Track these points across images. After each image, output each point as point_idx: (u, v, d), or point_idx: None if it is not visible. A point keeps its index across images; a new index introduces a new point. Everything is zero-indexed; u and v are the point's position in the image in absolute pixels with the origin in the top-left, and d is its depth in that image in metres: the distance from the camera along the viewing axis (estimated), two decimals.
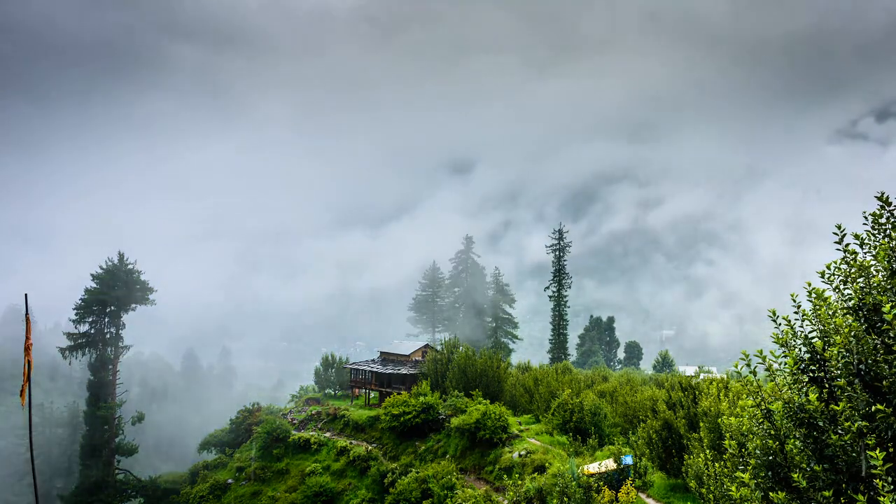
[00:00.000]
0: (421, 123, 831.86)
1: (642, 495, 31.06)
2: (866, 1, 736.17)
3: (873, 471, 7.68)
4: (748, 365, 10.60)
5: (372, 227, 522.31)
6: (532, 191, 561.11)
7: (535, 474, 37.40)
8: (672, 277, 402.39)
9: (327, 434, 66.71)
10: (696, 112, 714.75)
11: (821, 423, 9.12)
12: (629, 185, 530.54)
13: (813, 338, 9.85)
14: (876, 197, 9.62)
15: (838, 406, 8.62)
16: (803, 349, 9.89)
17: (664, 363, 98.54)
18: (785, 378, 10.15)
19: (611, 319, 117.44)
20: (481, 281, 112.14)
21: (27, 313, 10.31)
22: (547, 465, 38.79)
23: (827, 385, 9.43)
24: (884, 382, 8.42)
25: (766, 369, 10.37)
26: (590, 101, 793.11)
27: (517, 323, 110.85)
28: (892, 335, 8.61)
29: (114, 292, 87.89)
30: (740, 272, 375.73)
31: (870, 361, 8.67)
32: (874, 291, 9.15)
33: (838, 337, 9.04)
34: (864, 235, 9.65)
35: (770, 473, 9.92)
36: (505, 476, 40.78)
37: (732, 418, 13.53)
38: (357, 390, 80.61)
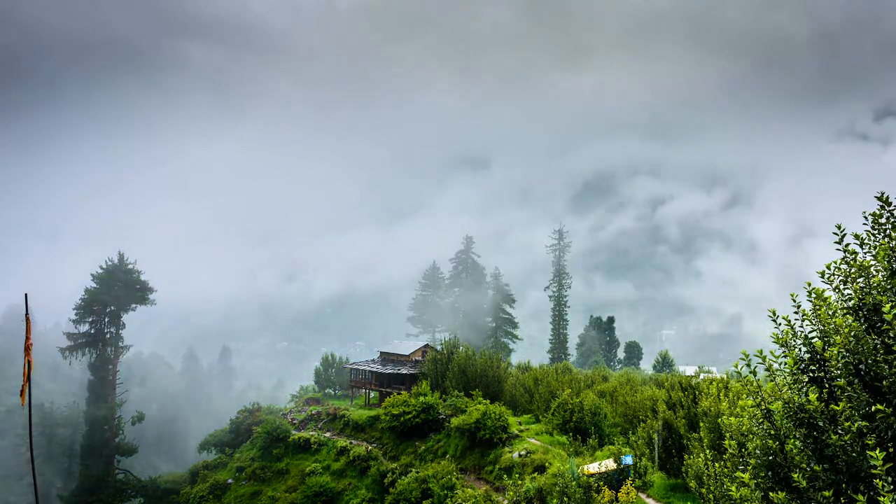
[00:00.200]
0: (433, 122, 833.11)
1: (642, 495, 31.06)
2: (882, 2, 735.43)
3: (873, 471, 7.68)
4: (748, 365, 10.60)
5: (378, 227, 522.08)
6: (543, 188, 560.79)
7: (535, 474, 37.39)
8: (675, 276, 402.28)
9: (327, 434, 66.71)
10: (704, 111, 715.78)
11: (821, 423, 9.11)
12: (637, 183, 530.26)
13: (813, 338, 9.85)
14: (876, 197, 9.62)
15: (838, 406, 8.62)
16: (803, 349, 9.89)
17: (664, 363, 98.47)
18: (785, 378, 10.15)
19: (611, 319, 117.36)
20: (481, 281, 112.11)
21: (27, 313, 10.31)
22: (547, 465, 38.78)
23: (827, 385, 9.43)
24: (884, 382, 8.42)
25: (766, 369, 10.37)
26: (602, 99, 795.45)
27: (517, 323, 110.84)
28: (892, 335, 8.60)
29: (114, 292, 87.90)
30: (741, 272, 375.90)
31: (870, 361, 8.67)
32: (874, 291, 9.15)
33: (838, 337, 9.04)
34: (864, 235, 9.65)
35: (770, 473, 9.92)
36: (505, 476, 40.78)
37: (732, 418, 13.53)
38: (357, 390, 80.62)
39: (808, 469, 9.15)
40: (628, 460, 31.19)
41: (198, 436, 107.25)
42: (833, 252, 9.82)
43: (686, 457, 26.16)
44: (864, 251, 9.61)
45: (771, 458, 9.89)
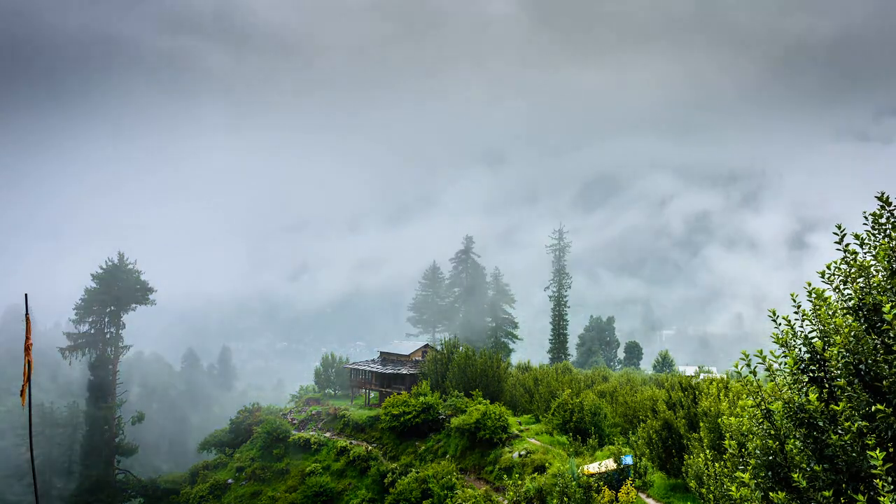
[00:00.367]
0: (443, 120, 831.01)
1: (642, 495, 31.06)
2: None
3: (873, 471, 7.68)
4: (748, 365, 10.60)
5: (385, 226, 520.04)
6: (552, 185, 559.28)
7: (535, 474, 37.39)
8: (679, 275, 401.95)
9: (327, 434, 66.71)
10: (715, 111, 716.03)
11: (821, 423, 9.11)
12: (646, 180, 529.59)
13: (813, 338, 9.85)
14: (876, 197, 9.62)
15: (838, 406, 8.62)
16: (803, 349, 9.89)
17: (664, 363, 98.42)
18: (785, 378, 10.15)
19: (611, 319, 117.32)
20: (481, 281, 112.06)
21: (27, 313, 10.31)
22: (547, 465, 38.79)
23: (827, 385, 9.43)
24: (884, 382, 8.42)
25: (766, 369, 10.37)
26: (609, 96, 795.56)
27: (517, 323, 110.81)
28: (892, 335, 8.60)
29: (114, 292, 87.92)
30: (744, 272, 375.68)
31: (870, 361, 8.67)
32: (874, 291, 9.15)
33: (838, 337, 9.04)
34: (865, 235, 9.65)
35: (770, 473, 9.92)
36: (505, 476, 40.78)
37: (732, 418, 13.52)
38: (357, 390, 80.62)
39: (808, 469, 9.15)
40: (628, 460, 31.19)
41: (198, 436, 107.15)
42: (838, 251, 9.83)
43: (686, 457, 26.15)
44: (865, 251, 9.61)
45: (771, 458, 9.89)
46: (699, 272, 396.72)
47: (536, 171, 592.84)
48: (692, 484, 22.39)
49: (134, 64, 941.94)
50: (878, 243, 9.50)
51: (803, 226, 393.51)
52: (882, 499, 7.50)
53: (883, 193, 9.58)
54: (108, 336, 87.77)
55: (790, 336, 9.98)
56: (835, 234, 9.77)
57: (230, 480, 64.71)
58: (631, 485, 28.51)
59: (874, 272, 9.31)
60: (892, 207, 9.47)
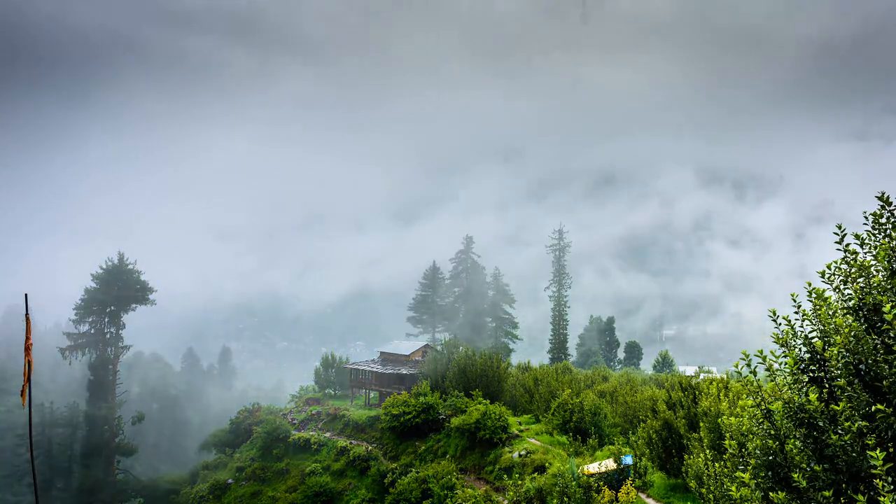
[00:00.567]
0: (455, 116, 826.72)
1: (642, 495, 31.06)
2: None
3: (873, 471, 7.68)
4: (748, 365, 10.60)
5: (389, 226, 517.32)
6: (564, 183, 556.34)
7: (535, 474, 37.39)
8: (676, 275, 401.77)
9: (327, 434, 66.72)
10: (731, 110, 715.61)
11: (821, 423, 9.12)
12: (658, 179, 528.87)
13: (813, 338, 9.85)
14: (876, 197, 9.62)
15: (838, 406, 8.62)
16: (803, 349, 9.89)
17: (664, 363, 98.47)
18: (785, 378, 10.15)
19: (611, 319, 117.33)
20: (481, 281, 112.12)
21: (27, 313, 10.31)
22: (547, 465, 38.79)
23: (827, 385, 9.43)
24: (884, 382, 8.42)
25: (767, 369, 10.37)
26: (616, 96, 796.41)
27: (517, 323, 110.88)
28: (892, 335, 8.61)
29: (114, 292, 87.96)
30: (743, 271, 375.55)
31: (870, 361, 8.67)
32: (874, 291, 9.15)
33: (838, 337, 9.04)
34: (865, 235, 9.65)
35: (770, 473, 9.92)
36: (505, 476, 40.78)
37: (732, 418, 13.52)
38: (357, 390, 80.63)
39: (808, 469, 9.15)
40: (628, 460, 31.20)
41: (198, 436, 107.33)
42: (838, 251, 9.83)
43: (686, 457, 26.15)
44: (865, 251, 9.62)
45: (771, 458, 9.90)
46: (700, 272, 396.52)
47: (546, 168, 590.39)
48: (692, 484, 22.39)
49: (135, 61, 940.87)
50: (878, 243, 9.50)
51: (807, 226, 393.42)
52: (882, 499, 7.50)
53: (883, 193, 9.59)
54: (108, 336, 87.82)
55: (790, 336, 9.98)
56: (835, 234, 9.77)
57: (230, 480, 64.72)
58: (631, 485, 28.51)
59: (874, 272, 9.32)
60: (892, 207, 9.48)
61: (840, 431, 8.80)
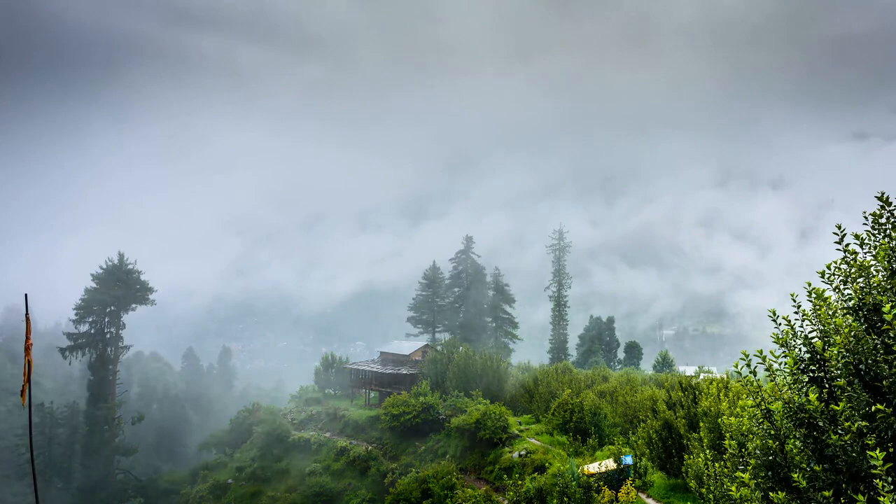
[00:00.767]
0: (470, 112, 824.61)
1: (642, 495, 31.06)
2: None
3: (873, 471, 7.68)
4: (748, 365, 10.60)
5: (391, 226, 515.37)
6: (577, 181, 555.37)
7: (535, 474, 37.38)
8: (677, 275, 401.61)
9: (327, 434, 66.71)
10: (722, 109, 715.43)
11: (821, 423, 9.11)
12: (647, 181, 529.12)
13: (813, 338, 9.85)
14: (876, 197, 9.62)
15: (838, 406, 8.62)
16: (803, 349, 9.88)
17: (664, 363, 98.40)
18: (785, 378, 10.14)
19: (611, 319, 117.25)
20: (481, 281, 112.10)
21: (27, 313, 10.31)
22: (547, 465, 38.80)
23: (827, 385, 9.43)
24: (884, 382, 8.42)
25: (767, 369, 10.36)
26: (625, 96, 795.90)
27: (517, 323, 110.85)
28: (892, 335, 8.60)
29: (114, 292, 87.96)
30: (743, 271, 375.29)
31: (870, 361, 8.67)
32: (874, 291, 9.15)
33: (838, 337, 9.04)
34: (864, 235, 9.65)
35: (770, 473, 9.92)
36: (505, 476, 40.78)
37: (732, 418, 13.52)
38: (357, 390, 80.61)
39: (808, 469, 9.15)
40: (628, 460, 31.20)
41: (198, 436, 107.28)
42: (838, 251, 9.83)
43: (686, 457, 26.14)
44: (865, 251, 9.62)
45: (771, 458, 9.89)
46: (700, 272, 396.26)
47: (566, 166, 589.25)
48: (692, 484, 22.39)
49: (144, 59, 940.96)
50: (878, 243, 9.50)
51: (808, 226, 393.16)
52: (882, 499, 7.50)
53: (883, 193, 9.59)
54: (108, 336, 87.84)
55: (790, 336, 9.98)
56: (835, 234, 9.77)
57: (230, 480, 64.71)
58: (631, 485, 28.51)
59: (874, 272, 9.32)
60: (892, 207, 9.48)
61: (840, 431, 8.80)
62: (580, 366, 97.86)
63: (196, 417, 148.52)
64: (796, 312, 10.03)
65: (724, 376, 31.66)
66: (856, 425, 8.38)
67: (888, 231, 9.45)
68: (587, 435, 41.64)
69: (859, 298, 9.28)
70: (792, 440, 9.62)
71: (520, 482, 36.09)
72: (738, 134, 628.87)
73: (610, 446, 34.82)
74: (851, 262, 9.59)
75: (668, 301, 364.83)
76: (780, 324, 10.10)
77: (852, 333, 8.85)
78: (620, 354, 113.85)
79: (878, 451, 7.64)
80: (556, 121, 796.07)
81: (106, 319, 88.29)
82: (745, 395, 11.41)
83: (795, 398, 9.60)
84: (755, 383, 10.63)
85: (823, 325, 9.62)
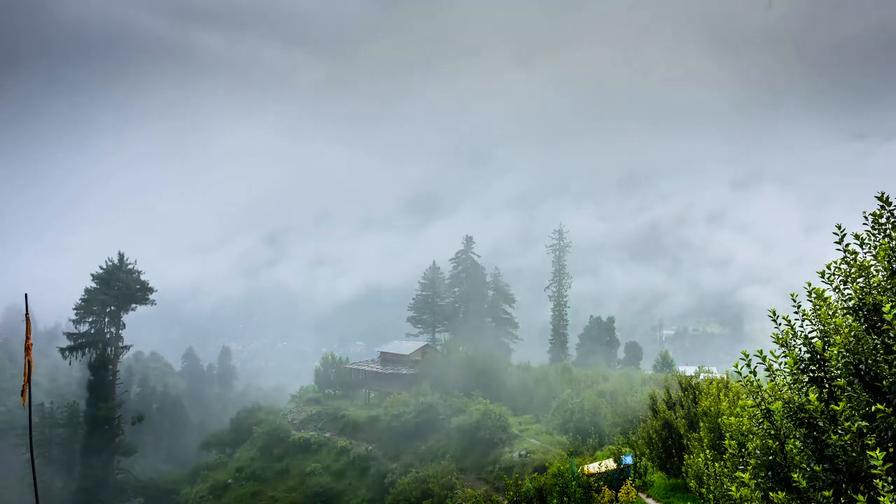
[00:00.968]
0: (474, 114, 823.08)
1: (642, 495, 31.07)
2: None
3: (873, 471, 7.68)
4: (748, 365, 10.60)
5: (393, 226, 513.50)
6: (588, 180, 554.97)
7: (535, 474, 37.38)
8: (676, 275, 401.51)
9: (327, 434, 66.70)
10: (724, 108, 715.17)
11: (821, 423, 9.11)
12: (648, 181, 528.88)
13: (813, 338, 9.85)
14: (876, 197, 9.62)
15: (838, 406, 8.61)
16: (803, 349, 9.88)
17: (664, 363, 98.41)
18: (785, 378, 10.14)
19: (611, 319, 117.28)
20: (481, 281, 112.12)
21: (27, 313, 10.31)
22: (547, 464, 38.79)
23: (827, 385, 9.43)
24: (884, 382, 8.42)
25: (767, 369, 10.36)
26: (626, 94, 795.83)
27: (517, 323, 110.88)
28: (892, 335, 8.60)
29: (114, 292, 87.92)
30: (744, 271, 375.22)
31: (870, 361, 8.67)
32: (874, 291, 9.14)
33: (838, 337, 9.04)
34: (865, 235, 9.65)
35: (770, 473, 9.91)
36: (505, 476, 40.77)
37: (732, 418, 13.52)
38: (357, 390, 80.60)
39: (808, 469, 9.14)
40: (628, 460, 31.20)
41: (198, 436, 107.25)
42: (838, 251, 9.82)
43: (686, 457, 26.14)
44: (865, 251, 9.61)
45: (771, 458, 9.89)
46: (700, 272, 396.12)
47: (576, 164, 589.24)
48: (692, 484, 22.38)
49: (146, 57, 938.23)
50: (878, 243, 9.49)
51: (809, 226, 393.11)
52: (882, 499, 7.50)
53: (883, 193, 9.58)
54: (108, 336, 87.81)
55: (790, 336, 9.97)
56: (835, 234, 9.77)
57: (230, 480, 64.70)
58: (631, 484, 28.52)
59: (874, 272, 9.31)
60: (892, 207, 9.47)
61: (840, 431, 8.79)
62: (580, 366, 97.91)
63: (196, 417, 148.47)
64: (796, 312, 10.03)
65: (724, 376, 31.66)
66: (856, 425, 8.37)
67: (888, 231, 9.45)
68: (587, 435, 41.66)
69: (859, 298, 9.28)
70: (792, 440, 9.62)
71: (520, 482, 36.08)
72: (746, 133, 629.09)
73: (610, 446, 34.83)
74: (851, 262, 9.58)
75: (674, 299, 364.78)
76: (779, 324, 10.10)
77: (852, 333, 8.84)
78: (620, 354, 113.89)
79: (878, 451, 7.63)
80: (567, 118, 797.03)
81: (106, 319, 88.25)
82: (745, 395, 11.41)
83: (795, 398, 9.60)
84: (755, 383, 10.62)
85: (823, 325, 9.62)
